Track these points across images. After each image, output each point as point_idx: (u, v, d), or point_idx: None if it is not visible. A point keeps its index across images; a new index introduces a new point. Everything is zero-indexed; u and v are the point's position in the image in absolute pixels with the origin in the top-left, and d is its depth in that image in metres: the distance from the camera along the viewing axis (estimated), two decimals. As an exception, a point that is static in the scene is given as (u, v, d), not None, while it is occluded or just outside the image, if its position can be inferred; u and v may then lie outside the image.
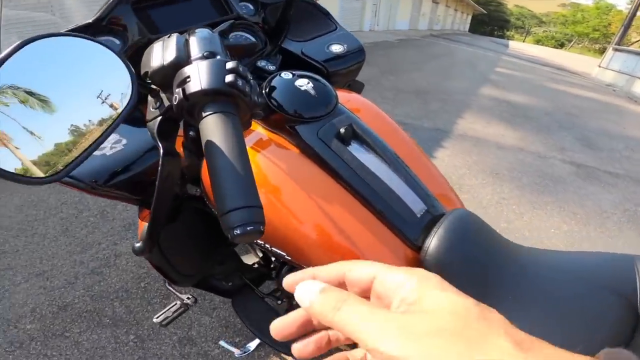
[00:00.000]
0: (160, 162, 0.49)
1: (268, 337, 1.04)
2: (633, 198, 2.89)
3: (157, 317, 1.03)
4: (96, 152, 0.62)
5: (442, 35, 22.06)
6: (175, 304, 1.05)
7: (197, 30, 0.51)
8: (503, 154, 3.51)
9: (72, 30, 0.65)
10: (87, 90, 0.44)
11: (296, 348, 0.27)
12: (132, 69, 0.46)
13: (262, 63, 0.86)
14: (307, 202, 0.60)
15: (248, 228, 0.36)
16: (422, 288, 0.21)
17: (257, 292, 1.15)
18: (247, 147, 0.42)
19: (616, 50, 11.56)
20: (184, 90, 0.42)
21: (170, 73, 0.45)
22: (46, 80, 0.41)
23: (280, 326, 0.27)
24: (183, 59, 0.46)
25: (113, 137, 0.66)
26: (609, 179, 3.23)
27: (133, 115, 0.69)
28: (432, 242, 0.58)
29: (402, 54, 9.48)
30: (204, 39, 0.49)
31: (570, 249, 2.15)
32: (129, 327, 1.38)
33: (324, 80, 0.71)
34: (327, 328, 0.27)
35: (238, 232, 0.36)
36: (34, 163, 0.39)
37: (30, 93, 0.38)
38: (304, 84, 0.67)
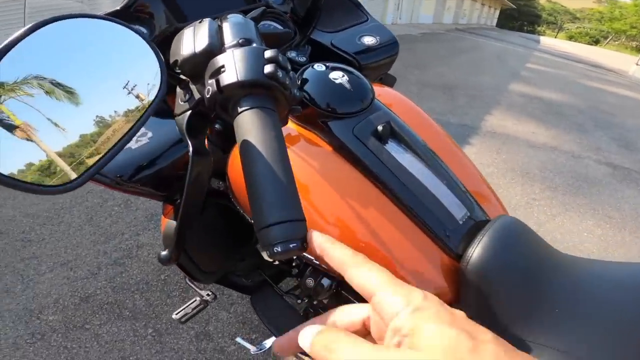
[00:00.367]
0: (189, 162, 0.45)
1: (285, 335, 1.02)
2: (674, 202, 2.71)
3: (176, 314, 1.02)
4: (120, 145, 0.62)
5: (468, 29, 21.46)
6: (195, 300, 1.04)
7: (230, 16, 0.46)
8: (534, 152, 3.37)
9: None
10: (113, 78, 0.41)
11: (278, 343, 0.29)
12: (162, 57, 0.43)
13: (292, 54, 0.82)
14: (339, 203, 0.55)
15: (291, 245, 0.30)
16: (417, 319, 0.21)
17: (276, 289, 1.13)
18: None
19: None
20: (217, 82, 0.37)
21: (202, 62, 0.41)
22: (68, 66, 0.38)
23: (283, 342, 0.28)
24: (216, 46, 0.41)
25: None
26: (648, 181, 3.05)
27: (159, 107, 0.67)
28: (476, 251, 0.53)
29: (426, 48, 9.26)
30: (238, 25, 0.44)
31: (604, 254, 2.07)
32: (148, 321, 1.38)
33: (359, 74, 0.66)
34: None
35: (279, 249, 0.30)
36: (59, 155, 0.36)
37: (57, 84, 0.36)
38: (338, 76, 0.63)
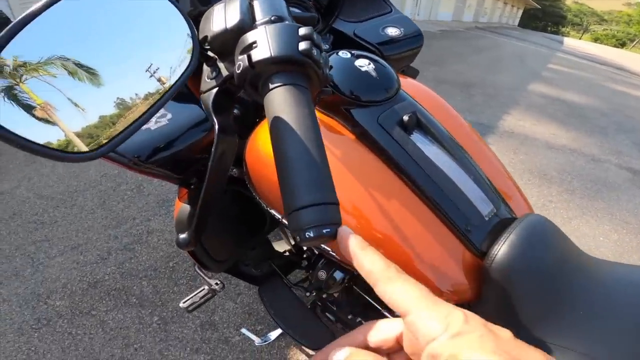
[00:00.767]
0: (215, 140, 0.44)
1: (291, 327, 1.02)
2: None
3: (183, 302, 1.02)
4: (140, 126, 0.61)
5: (489, 28, 21.05)
6: (203, 289, 1.04)
7: None
8: (553, 154, 3.28)
9: None
10: (137, 59, 0.40)
11: None
12: (194, 27, 0.41)
13: None
14: (360, 192, 0.53)
15: (324, 231, 0.28)
16: (457, 345, 0.19)
17: (285, 280, 1.12)
18: None
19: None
20: (249, 57, 0.36)
21: (233, 38, 0.39)
22: (90, 44, 0.37)
23: None
24: (247, 23, 0.40)
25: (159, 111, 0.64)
26: (670, 189, 2.94)
27: (179, 92, 0.66)
28: (502, 249, 0.50)
29: (444, 45, 9.11)
30: (270, 2, 0.43)
31: (619, 260, 2.03)
32: (154, 308, 1.38)
33: (385, 63, 0.65)
34: None
35: (311, 234, 0.28)
36: (78, 135, 0.36)
37: (80, 65, 0.35)
38: (364, 64, 0.61)
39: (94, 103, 0.36)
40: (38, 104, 0.33)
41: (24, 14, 0.31)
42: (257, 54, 0.36)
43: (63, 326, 1.29)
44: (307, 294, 1.10)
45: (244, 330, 1.25)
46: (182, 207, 0.71)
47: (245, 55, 0.36)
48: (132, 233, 1.70)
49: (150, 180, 2.05)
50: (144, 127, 0.62)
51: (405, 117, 0.58)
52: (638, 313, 0.50)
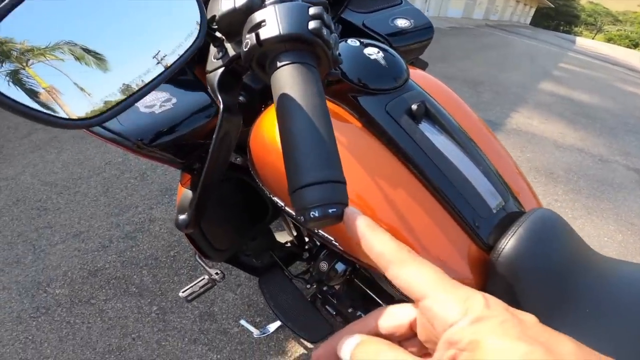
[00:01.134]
0: (219, 119, 0.44)
1: (290, 320, 1.01)
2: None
3: (183, 292, 1.01)
4: (145, 110, 0.61)
5: (499, 26, 20.82)
6: (203, 278, 1.04)
7: None
8: (560, 153, 3.24)
9: None
10: (144, 42, 0.39)
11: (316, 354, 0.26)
12: (203, 4, 0.41)
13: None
14: (365, 180, 0.52)
15: (330, 210, 0.27)
16: (479, 332, 0.18)
17: (285, 272, 1.11)
18: None
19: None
20: (257, 35, 0.35)
21: (241, 18, 0.39)
22: (96, 26, 0.36)
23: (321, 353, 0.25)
24: (257, 2, 0.39)
25: (163, 95, 0.64)
26: (678, 192, 2.90)
27: (184, 78, 0.66)
28: (509, 243, 0.49)
29: (453, 42, 9.02)
30: None
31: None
32: (154, 298, 1.38)
33: (394, 52, 0.64)
34: None
35: (316, 214, 0.27)
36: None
37: (87, 50, 0.35)
38: (373, 52, 0.60)
39: (100, 88, 0.36)
40: (43, 88, 0.33)
41: None
42: (266, 32, 0.35)
43: (62, 315, 1.29)
44: (308, 286, 1.10)
45: (242, 322, 1.25)
46: (185, 192, 0.71)
47: (253, 34, 0.36)
48: (134, 221, 1.69)
49: (154, 169, 2.05)
50: (149, 111, 0.63)
51: (414, 106, 0.57)
52: None
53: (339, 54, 0.58)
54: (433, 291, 0.20)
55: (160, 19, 0.41)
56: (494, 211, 0.54)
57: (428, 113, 0.59)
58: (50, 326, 1.25)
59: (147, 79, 0.38)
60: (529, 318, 0.19)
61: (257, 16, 0.36)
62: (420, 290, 0.21)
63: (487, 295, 0.20)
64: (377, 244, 0.24)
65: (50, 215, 1.68)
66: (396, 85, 0.59)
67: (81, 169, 2.00)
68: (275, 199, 0.61)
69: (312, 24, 0.35)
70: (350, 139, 0.56)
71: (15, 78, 0.31)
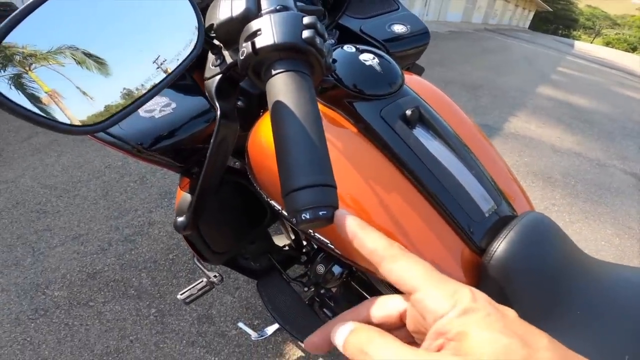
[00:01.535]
0: (216, 125, 0.45)
1: (288, 323, 1.02)
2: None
3: (181, 294, 1.02)
4: (145, 115, 0.63)
5: (498, 30, 20.89)
6: (201, 281, 1.04)
7: None
8: (558, 157, 3.26)
9: None
10: (144, 48, 0.40)
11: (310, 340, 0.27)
12: (200, 12, 0.42)
13: None
14: (361, 186, 0.53)
15: (320, 213, 0.28)
16: (466, 323, 0.19)
17: (283, 275, 1.12)
18: None
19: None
20: (253, 44, 0.37)
21: (238, 27, 0.40)
22: (97, 32, 0.37)
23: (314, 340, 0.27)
24: (253, 12, 0.41)
25: (163, 100, 0.65)
26: (675, 196, 2.91)
27: (183, 83, 0.67)
28: (501, 246, 0.50)
29: (452, 46, 9.06)
30: None
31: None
32: (152, 301, 1.38)
33: (389, 57, 0.65)
34: None
35: (307, 216, 0.28)
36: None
37: (88, 54, 0.35)
38: (368, 58, 0.61)
39: (102, 92, 0.37)
40: (46, 92, 0.33)
41: (27, 3, 0.32)
42: (261, 41, 0.36)
43: (60, 317, 1.29)
44: (306, 289, 1.11)
45: (240, 325, 1.25)
46: (184, 195, 0.72)
47: (249, 42, 0.37)
48: (133, 224, 1.70)
49: (153, 172, 2.05)
50: (149, 115, 0.64)
51: (408, 112, 0.58)
52: (637, 314, 0.50)
53: (334, 61, 0.60)
54: (424, 285, 0.22)
55: (161, 27, 0.42)
56: (487, 215, 0.54)
57: (422, 118, 0.60)
58: (49, 328, 1.26)
59: (149, 85, 0.39)
60: (510, 312, 0.21)
61: (253, 25, 0.38)
62: (412, 284, 0.22)
63: (473, 289, 0.21)
64: (368, 241, 0.25)
65: (49, 218, 1.69)
66: (391, 90, 0.60)
67: (81, 172, 2.01)
68: (273, 202, 0.61)
69: (305, 33, 0.36)
70: (345, 144, 0.57)
71: (18, 82, 0.32)
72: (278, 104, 0.33)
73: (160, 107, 0.64)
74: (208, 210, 0.75)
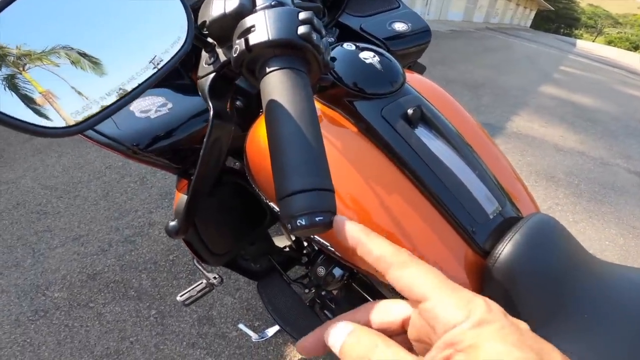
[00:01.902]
0: (209, 125, 0.44)
1: (288, 324, 1.01)
2: None
3: (181, 296, 1.01)
4: (141, 115, 0.61)
5: (500, 29, 20.85)
6: (201, 282, 1.03)
7: None
8: (561, 157, 3.24)
9: None
10: (139, 47, 0.39)
11: (302, 344, 0.25)
12: (190, 8, 0.41)
13: None
14: (361, 186, 0.52)
15: (317, 219, 0.27)
16: (480, 335, 0.18)
17: (284, 277, 1.11)
18: None
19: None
20: (247, 41, 0.35)
21: (231, 24, 0.39)
22: (91, 30, 0.36)
23: (307, 343, 0.25)
24: (247, 8, 0.39)
25: (159, 100, 0.64)
26: (680, 195, 2.89)
27: (180, 82, 0.66)
28: (506, 249, 0.49)
29: (453, 44, 9.03)
30: None
31: (623, 264, 1.97)
32: (152, 302, 1.37)
33: (390, 56, 0.63)
34: None
35: (303, 222, 0.27)
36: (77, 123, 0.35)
37: (83, 54, 0.35)
38: (369, 57, 0.60)
39: (97, 92, 0.36)
40: (40, 92, 0.32)
41: None
42: (255, 38, 0.35)
43: (60, 318, 1.29)
44: (306, 290, 1.10)
45: (241, 326, 1.24)
46: (181, 198, 0.71)
47: (243, 39, 0.35)
48: (133, 225, 1.69)
49: (153, 173, 2.05)
50: (144, 115, 0.63)
51: (410, 111, 0.57)
52: None
53: (332, 59, 0.58)
54: (435, 293, 0.20)
55: (152, 23, 0.41)
56: (491, 216, 0.53)
57: (424, 117, 0.59)
58: (49, 329, 1.25)
59: (139, 81, 0.38)
60: (523, 325, 0.20)
61: (247, 21, 0.36)
62: (422, 292, 0.21)
63: (487, 299, 0.20)
64: (375, 248, 0.24)
65: (50, 219, 1.68)
66: (392, 89, 0.59)
67: (81, 173, 2.00)
68: (272, 204, 0.60)
69: (301, 29, 0.35)
70: (345, 144, 0.55)
71: (11, 83, 0.31)
72: (272, 103, 0.32)
73: (156, 108, 0.63)
74: (207, 211, 0.74)
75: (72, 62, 0.34)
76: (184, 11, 0.40)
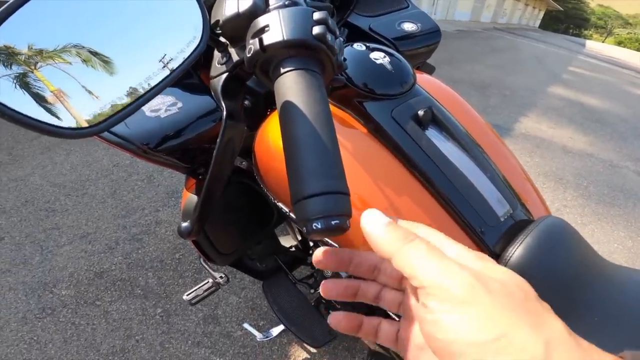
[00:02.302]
0: (222, 126, 0.43)
1: (293, 324, 1.01)
2: None
3: (187, 295, 1.02)
4: (151, 115, 0.61)
5: (507, 29, 20.69)
6: (207, 282, 1.04)
7: None
8: (570, 158, 3.20)
9: None
10: (150, 47, 0.39)
11: (325, 285, 0.29)
12: (205, 8, 0.40)
13: None
14: (371, 188, 0.52)
15: (333, 222, 0.26)
16: (484, 261, 0.23)
17: (290, 277, 1.11)
18: None
19: None
20: (261, 41, 0.35)
21: (245, 23, 0.38)
22: (102, 29, 0.36)
23: (330, 285, 0.30)
24: (261, 7, 0.39)
25: (169, 99, 0.64)
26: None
27: (190, 82, 0.66)
28: (517, 252, 0.49)
29: (461, 45, 8.98)
30: None
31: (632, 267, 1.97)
32: (158, 300, 1.38)
33: (400, 56, 0.63)
34: (361, 279, 0.30)
35: (319, 226, 0.26)
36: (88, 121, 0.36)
37: (94, 53, 0.35)
38: (379, 57, 0.60)
39: (107, 91, 0.36)
40: (52, 91, 0.33)
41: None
42: (269, 38, 0.34)
43: (67, 316, 1.30)
44: (312, 290, 1.10)
45: (246, 325, 1.24)
46: (189, 197, 0.71)
47: (257, 39, 0.35)
48: (140, 223, 1.70)
49: (160, 171, 2.06)
50: (155, 115, 0.63)
51: (420, 112, 0.56)
52: None
53: (344, 59, 0.58)
54: (445, 243, 0.26)
55: (166, 23, 0.41)
56: (502, 219, 0.53)
57: (435, 119, 0.58)
58: (55, 327, 1.26)
59: (153, 82, 0.38)
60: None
61: (261, 21, 0.36)
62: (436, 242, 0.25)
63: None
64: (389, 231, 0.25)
65: (58, 217, 1.70)
66: (402, 90, 0.59)
67: (89, 171, 2.02)
68: (280, 204, 0.60)
69: (316, 29, 0.34)
70: (355, 145, 0.55)
71: (23, 82, 0.31)
72: (287, 104, 0.31)
73: (166, 107, 0.63)
74: (214, 211, 0.74)
75: (84, 61, 0.34)
76: (199, 10, 0.39)
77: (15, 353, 1.17)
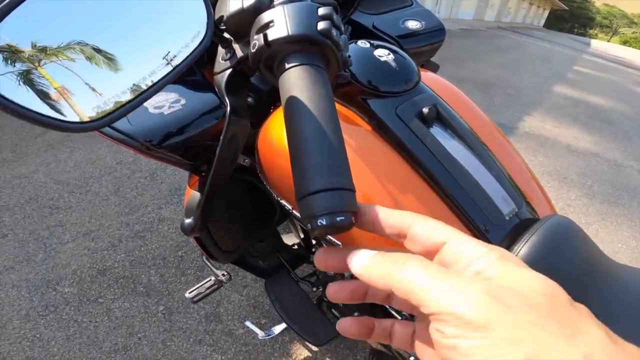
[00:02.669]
0: (226, 121, 0.43)
1: (295, 322, 1.01)
2: None
3: (189, 292, 1.02)
4: (154, 111, 0.61)
5: (512, 28, 20.60)
6: (210, 279, 1.04)
7: None
8: (574, 158, 3.18)
9: None
10: (153, 43, 0.39)
11: (331, 289, 0.28)
12: (210, 4, 0.40)
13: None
14: (375, 185, 0.52)
15: (338, 219, 0.26)
16: (504, 265, 0.20)
17: (292, 275, 1.10)
18: None
19: None
20: (265, 36, 0.35)
21: (249, 19, 0.38)
22: (106, 26, 0.36)
23: (337, 288, 0.28)
24: (265, 3, 0.39)
25: (172, 96, 0.64)
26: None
27: (193, 78, 0.66)
28: (522, 250, 0.48)
29: (464, 43, 8.94)
30: None
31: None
32: (160, 298, 1.38)
33: (405, 54, 0.63)
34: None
35: (324, 222, 0.26)
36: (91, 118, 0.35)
37: (98, 50, 0.34)
38: (383, 54, 0.59)
39: (111, 88, 0.36)
40: (55, 88, 0.32)
41: None
42: (274, 33, 0.34)
43: (70, 313, 1.30)
44: (314, 289, 1.09)
45: (248, 323, 1.24)
46: (192, 194, 0.71)
47: (261, 34, 0.35)
48: (143, 221, 1.71)
49: (163, 169, 2.06)
50: (158, 111, 0.63)
51: (425, 110, 0.56)
52: None
53: (349, 56, 0.58)
54: (455, 237, 0.22)
55: (170, 19, 0.40)
56: (507, 218, 0.53)
57: (439, 116, 0.58)
58: (58, 324, 1.26)
59: (155, 78, 0.38)
60: None
61: (265, 16, 0.36)
62: (442, 237, 0.23)
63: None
64: (395, 212, 0.25)
65: (61, 214, 1.70)
66: (407, 88, 0.58)
67: (93, 168, 2.03)
68: (283, 201, 0.60)
69: (321, 25, 0.34)
70: (359, 142, 0.55)
71: (27, 79, 0.31)
72: (292, 100, 0.31)
73: (169, 103, 0.63)
74: (216, 208, 0.74)
75: (87, 58, 0.34)
76: (203, 6, 0.39)
77: (17, 350, 1.18)
